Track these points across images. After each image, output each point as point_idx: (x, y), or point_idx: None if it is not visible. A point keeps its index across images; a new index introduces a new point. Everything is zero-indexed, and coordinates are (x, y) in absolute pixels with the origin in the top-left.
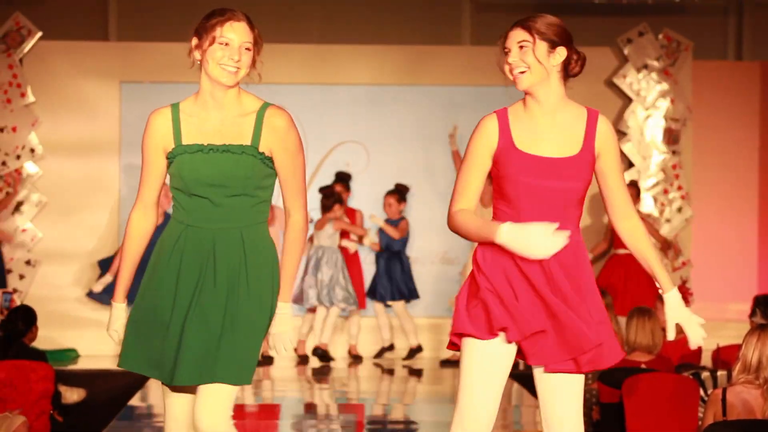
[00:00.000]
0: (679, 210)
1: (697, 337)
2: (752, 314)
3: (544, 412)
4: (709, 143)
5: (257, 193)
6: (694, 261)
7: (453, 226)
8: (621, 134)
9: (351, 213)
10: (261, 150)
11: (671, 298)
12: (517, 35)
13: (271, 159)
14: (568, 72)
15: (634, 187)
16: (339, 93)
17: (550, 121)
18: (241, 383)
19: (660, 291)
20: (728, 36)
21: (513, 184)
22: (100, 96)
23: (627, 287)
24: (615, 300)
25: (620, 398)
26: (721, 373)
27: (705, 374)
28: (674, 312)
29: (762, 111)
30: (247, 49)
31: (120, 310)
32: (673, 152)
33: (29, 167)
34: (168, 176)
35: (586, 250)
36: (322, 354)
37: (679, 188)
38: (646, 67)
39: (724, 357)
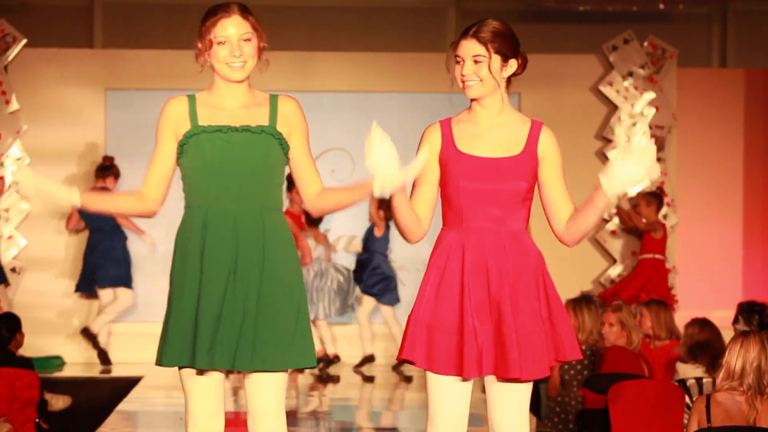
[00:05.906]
0: (665, 217)
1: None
2: (735, 321)
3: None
4: (694, 150)
5: (273, 177)
6: (679, 268)
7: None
8: (606, 141)
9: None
10: (279, 130)
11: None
12: (472, 48)
13: (286, 143)
14: (512, 76)
15: (655, 198)
16: (324, 100)
17: (493, 123)
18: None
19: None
20: (712, 43)
21: (455, 188)
22: (85, 103)
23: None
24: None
25: (605, 404)
26: (706, 380)
27: (690, 381)
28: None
29: (746, 118)
30: (246, 40)
31: (68, 192)
32: (658, 159)
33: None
34: (180, 167)
35: (535, 252)
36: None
37: (664, 195)
38: (631, 74)
39: None
